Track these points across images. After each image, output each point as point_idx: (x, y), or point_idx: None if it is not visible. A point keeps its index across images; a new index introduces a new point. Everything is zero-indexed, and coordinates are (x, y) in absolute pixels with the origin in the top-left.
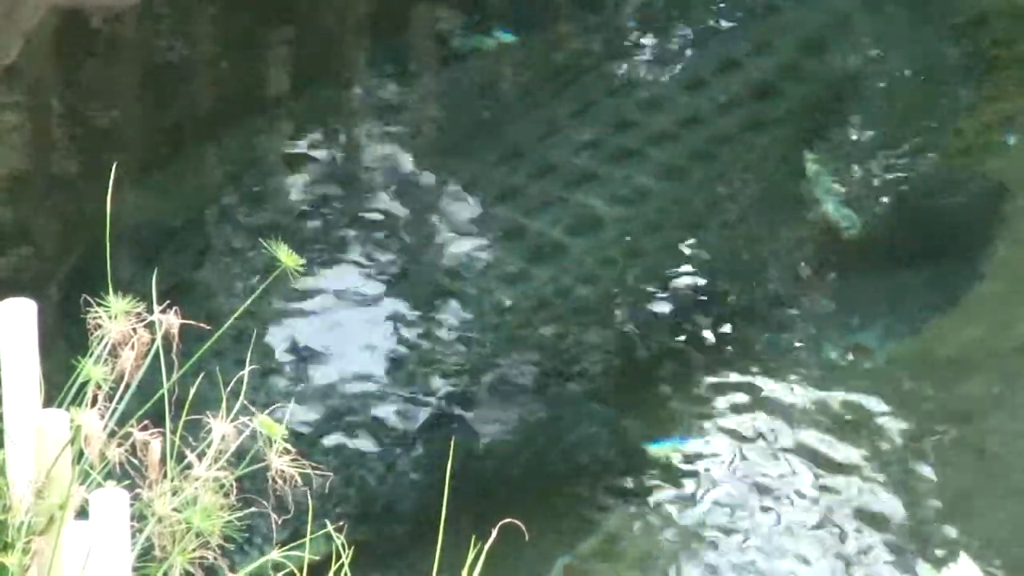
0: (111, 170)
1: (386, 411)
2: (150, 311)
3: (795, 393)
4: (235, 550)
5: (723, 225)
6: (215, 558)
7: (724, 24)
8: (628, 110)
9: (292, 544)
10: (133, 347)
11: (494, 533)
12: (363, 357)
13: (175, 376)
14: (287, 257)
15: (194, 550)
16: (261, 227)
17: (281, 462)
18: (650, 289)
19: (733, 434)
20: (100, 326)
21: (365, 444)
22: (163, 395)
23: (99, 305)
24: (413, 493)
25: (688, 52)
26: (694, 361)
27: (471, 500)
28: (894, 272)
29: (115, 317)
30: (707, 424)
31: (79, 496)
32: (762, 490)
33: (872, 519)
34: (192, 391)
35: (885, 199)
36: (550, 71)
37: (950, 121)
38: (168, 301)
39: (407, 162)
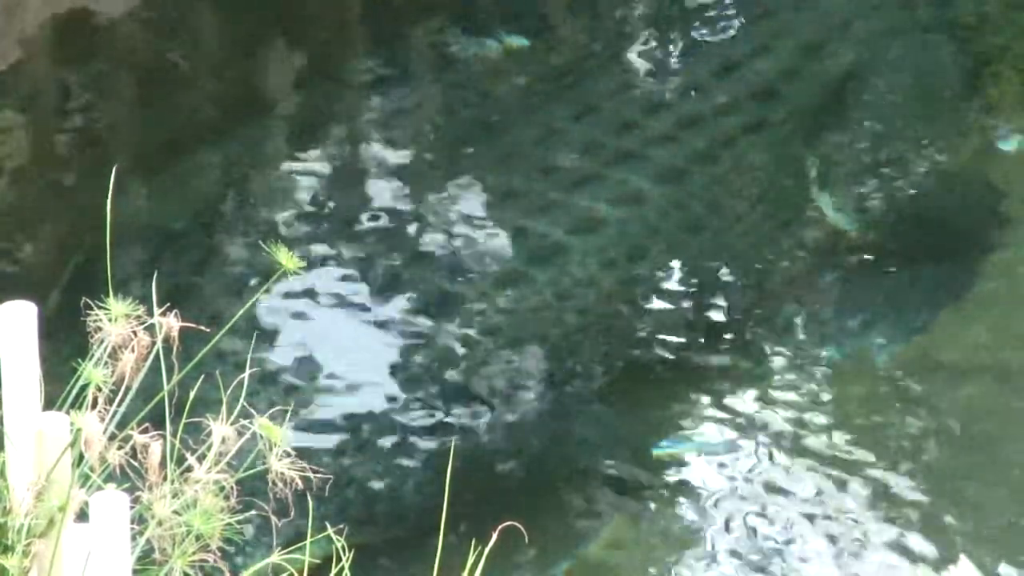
0: (111, 173)
1: (386, 413)
2: (150, 314)
3: (797, 395)
4: (235, 553)
5: (724, 227)
6: (215, 561)
7: (724, 27)
8: (629, 112)
9: (292, 547)
10: (133, 350)
11: (494, 536)
12: (363, 359)
13: (175, 379)
14: (287, 260)
15: (194, 553)
16: (261, 230)
17: (281, 465)
18: (651, 291)
19: (735, 436)
20: (100, 329)
21: (365, 446)
22: (163, 398)
23: (99, 308)
24: (413, 495)
25: (688, 55)
26: (696, 363)
27: (471, 502)
28: (895, 274)
29: (115, 320)
30: (709, 426)
31: (79, 499)
32: (764, 492)
33: (874, 520)
34: (192, 394)
35: (885, 202)
36: (551, 74)
37: (950, 124)
38: (168, 304)
39: (407, 165)
